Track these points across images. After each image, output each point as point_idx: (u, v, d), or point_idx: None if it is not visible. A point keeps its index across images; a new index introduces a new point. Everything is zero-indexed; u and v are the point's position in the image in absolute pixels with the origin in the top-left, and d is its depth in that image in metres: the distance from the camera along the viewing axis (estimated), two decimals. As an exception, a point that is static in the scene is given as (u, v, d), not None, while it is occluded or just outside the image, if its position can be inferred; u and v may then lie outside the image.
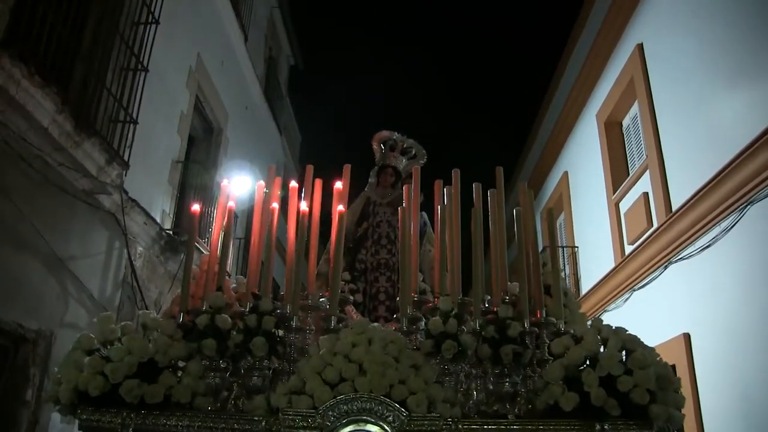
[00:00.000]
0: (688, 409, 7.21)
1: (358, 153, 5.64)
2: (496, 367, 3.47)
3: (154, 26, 8.44)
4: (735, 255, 6.87)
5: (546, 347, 3.62)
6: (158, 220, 8.85)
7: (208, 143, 11.92)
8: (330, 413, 3.12)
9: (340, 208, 3.82)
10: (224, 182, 3.97)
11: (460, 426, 3.18)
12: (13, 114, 5.95)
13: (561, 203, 13.83)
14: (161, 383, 3.27)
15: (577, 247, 12.63)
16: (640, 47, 9.67)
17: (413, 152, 5.40)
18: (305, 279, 3.92)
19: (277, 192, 3.94)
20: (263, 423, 3.20)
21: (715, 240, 7.30)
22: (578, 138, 12.75)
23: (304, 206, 3.80)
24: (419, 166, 5.03)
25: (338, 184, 3.94)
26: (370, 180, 5.43)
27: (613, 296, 10.38)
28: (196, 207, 3.85)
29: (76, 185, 7.12)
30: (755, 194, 6.46)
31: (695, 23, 8.08)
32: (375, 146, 5.43)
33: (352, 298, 4.28)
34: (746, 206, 6.65)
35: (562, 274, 12.47)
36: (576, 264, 12.36)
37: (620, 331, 3.40)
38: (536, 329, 3.61)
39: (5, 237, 6.14)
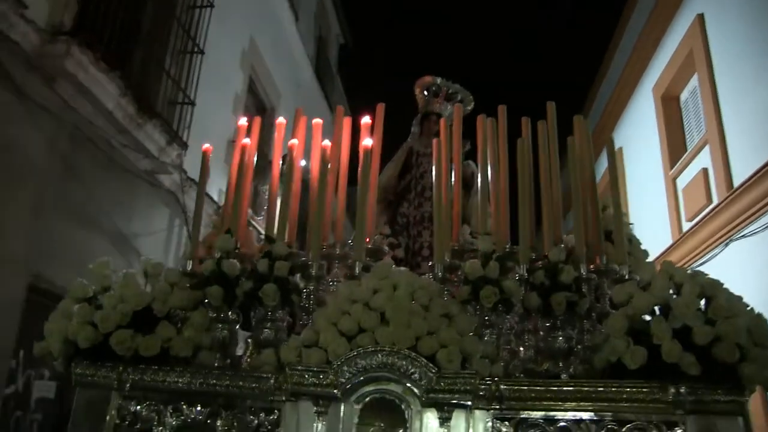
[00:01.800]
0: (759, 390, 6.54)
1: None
2: (546, 320, 2.72)
3: (209, 9, 8.20)
4: None
5: (607, 298, 2.83)
6: (215, 199, 8.50)
7: (261, 122, 11.44)
8: (345, 369, 2.46)
9: (367, 142, 3.11)
10: (241, 121, 3.27)
11: (501, 386, 2.44)
12: (81, 99, 5.93)
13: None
14: (158, 334, 2.65)
15: (632, 224, 11.59)
16: (701, 18, 8.74)
17: (459, 97, 4.58)
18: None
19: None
20: (271, 381, 2.57)
21: None
22: (633, 113, 11.70)
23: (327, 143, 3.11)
24: (466, 112, 4.32)
25: (365, 119, 3.23)
26: (412, 129, 4.67)
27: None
28: (207, 146, 3.21)
29: (138, 166, 7.03)
30: None
31: None
32: (417, 93, 4.67)
33: (388, 249, 3.53)
34: None
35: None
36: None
37: (699, 274, 2.54)
38: (594, 276, 2.82)
39: (75, 216, 6.11)
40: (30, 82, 5.45)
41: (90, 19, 6.00)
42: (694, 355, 2.27)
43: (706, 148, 8.51)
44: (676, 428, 2.31)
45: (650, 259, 9.18)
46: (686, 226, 8.94)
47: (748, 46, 7.40)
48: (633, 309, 2.44)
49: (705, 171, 8.49)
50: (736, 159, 7.69)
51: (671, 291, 2.47)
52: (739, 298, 2.45)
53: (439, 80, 4.59)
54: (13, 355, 5.44)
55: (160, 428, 2.61)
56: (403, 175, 4.43)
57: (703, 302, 2.43)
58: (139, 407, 2.64)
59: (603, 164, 13.23)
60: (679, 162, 9.51)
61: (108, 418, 2.61)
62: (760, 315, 2.42)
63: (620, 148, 12.43)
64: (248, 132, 3.23)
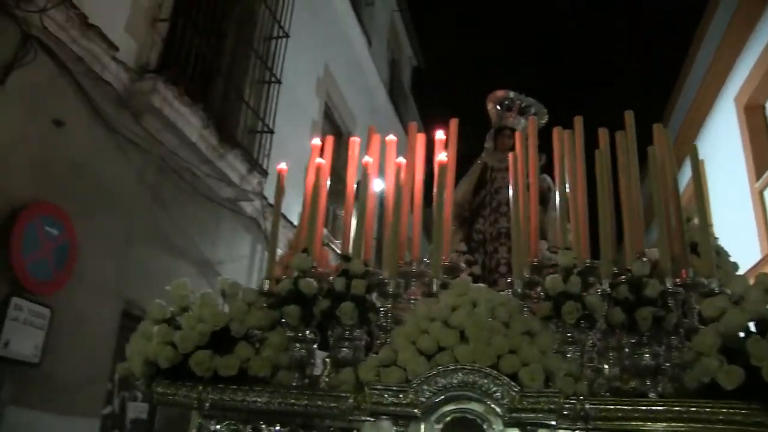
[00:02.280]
0: None
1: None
2: (631, 336, 2.54)
3: (284, 40, 8.38)
4: None
5: (695, 314, 2.67)
6: (295, 224, 8.45)
7: (338, 147, 11.46)
8: (425, 388, 2.34)
9: (442, 156, 3.03)
10: (314, 141, 3.25)
11: (586, 405, 2.29)
12: (167, 132, 6.18)
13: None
14: (236, 354, 2.60)
15: (717, 237, 11.09)
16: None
17: (533, 110, 4.44)
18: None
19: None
20: (350, 400, 2.48)
21: None
22: (715, 123, 11.19)
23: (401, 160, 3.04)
24: (540, 126, 4.14)
25: (439, 134, 3.14)
26: (486, 145, 4.54)
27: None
28: (282, 166, 3.16)
29: (221, 194, 7.26)
30: None
31: None
32: (490, 107, 4.55)
33: (464, 266, 3.43)
34: None
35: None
36: (716, 253, 10.86)
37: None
38: (681, 290, 2.64)
39: (163, 244, 6.32)
40: (120, 118, 5.69)
41: (174, 56, 6.21)
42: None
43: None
44: (779, 454, 2.12)
45: (740, 272, 8.75)
46: (778, 239, 8.53)
47: None
48: (725, 326, 2.25)
49: (796, 183, 8.11)
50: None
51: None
52: None
53: (512, 94, 4.47)
54: (109, 377, 5.58)
55: (241, 448, 2.56)
56: (478, 191, 4.32)
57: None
58: (219, 426, 2.60)
59: (683, 176, 12.78)
60: (766, 174, 9.09)
61: (189, 437, 2.59)
62: None
63: (701, 160, 11.98)
64: (321, 152, 3.20)
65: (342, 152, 10.77)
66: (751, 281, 2.53)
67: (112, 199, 5.68)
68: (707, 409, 2.19)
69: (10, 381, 4.58)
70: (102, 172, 5.55)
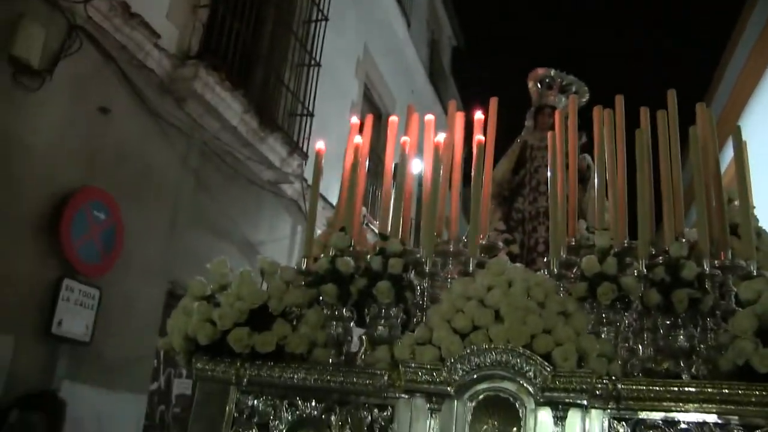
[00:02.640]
0: None
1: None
2: (667, 317, 2.50)
3: (323, 23, 8.26)
4: None
5: (732, 296, 2.60)
6: (334, 204, 8.48)
7: (377, 129, 11.33)
8: (459, 366, 2.35)
9: (480, 137, 3.00)
10: (353, 119, 3.26)
11: (619, 386, 2.27)
12: (209, 117, 6.24)
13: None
14: (274, 332, 2.62)
15: (758, 219, 10.83)
16: None
17: (573, 89, 4.38)
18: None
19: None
20: (385, 377, 2.48)
21: None
22: (759, 104, 10.77)
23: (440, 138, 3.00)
24: (581, 104, 4.11)
25: (478, 114, 3.10)
26: (526, 123, 4.49)
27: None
28: (320, 145, 3.17)
29: (262, 176, 7.28)
30: None
31: None
32: (531, 86, 4.48)
33: (502, 245, 3.41)
34: None
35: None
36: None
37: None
38: (719, 272, 2.58)
39: (206, 226, 6.41)
40: (163, 104, 5.77)
41: (215, 42, 6.26)
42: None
43: None
44: (812, 436, 2.09)
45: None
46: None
47: None
48: (762, 308, 2.21)
49: None
50: None
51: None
52: None
53: (552, 72, 4.42)
54: (155, 355, 5.69)
55: (276, 422, 2.57)
56: (518, 170, 4.29)
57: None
58: (256, 401, 2.61)
59: (725, 157, 12.46)
60: (809, 156, 8.85)
61: (227, 411, 2.60)
62: None
63: (744, 141, 11.68)
64: (361, 131, 3.19)
65: (381, 134, 10.69)
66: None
67: (157, 183, 5.78)
68: (740, 391, 2.16)
69: (63, 358, 4.74)
70: (146, 157, 5.64)
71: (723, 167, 9.94)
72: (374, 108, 11.17)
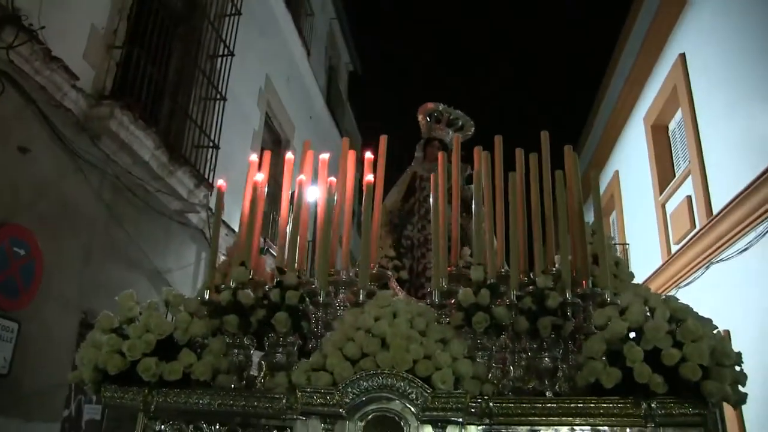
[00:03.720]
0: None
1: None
2: (534, 341, 2.69)
3: (229, 58, 8.25)
4: None
5: (592, 321, 2.77)
6: (236, 229, 8.49)
7: (276, 155, 11.27)
8: (349, 390, 2.45)
9: (369, 177, 3.12)
10: (252, 157, 3.31)
11: (490, 404, 2.42)
12: (122, 153, 6.22)
13: (613, 201, 12.85)
14: (180, 360, 2.66)
15: (629, 244, 11.54)
16: (683, 57, 8.90)
17: (460, 123, 4.43)
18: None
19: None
20: (284, 401, 2.55)
21: (750, 244, 6.79)
22: (628, 139, 11.70)
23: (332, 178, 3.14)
24: (467, 137, 4.27)
25: (368, 154, 3.25)
26: (416, 154, 4.50)
27: (662, 292, 9.26)
28: (221, 182, 3.27)
29: (170, 207, 7.29)
30: None
31: (735, 35, 7.37)
32: (420, 119, 4.50)
33: (390, 273, 3.55)
34: None
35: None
36: (627, 260, 11.19)
37: (671, 300, 2.52)
38: (579, 300, 2.78)
39: (118, 256, 6.39)
40: (79, 142, 5.72)
41: (128, 81, 6.23)
42: (663, 374, 2.26)
43: (690, 177, 8.51)
44: (648, 439, 2.32)
45: (645, 277, 9.15)
46: (675, 248, 8.90)
47: (725, 83, 7.51)
48: (609, 333, 2.42)
49: (689, 198, 8.52)
50: (714, 188, 7.79)
51: (647, 314, 2.45)
52: (709, 320, 2.44)
53: (441, 107, 4.43)
54: (69, 384, 5.52)
55: (183, 446, 2.61)
56: (407, 198, 4.27)
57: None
58: (163, 426, 2.63)
59: (603, 184, 13.10)
60: (668, 188, 9.53)
61: (135, 436, 2.63)
62: (723, 337, 2.42)
63: (616, 172, 12.35)
64: (260, 166, 3.26)
65: (281, 160, 10.69)
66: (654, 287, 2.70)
67: (73, 218, 5.73)
68: (592, 405, 2.35)
69: None
70: (63, 192, 5.60)
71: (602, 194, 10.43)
72: (275, 135, 11.15)
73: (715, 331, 2.40)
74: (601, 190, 13.44)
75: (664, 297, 2.53)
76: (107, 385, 2.67)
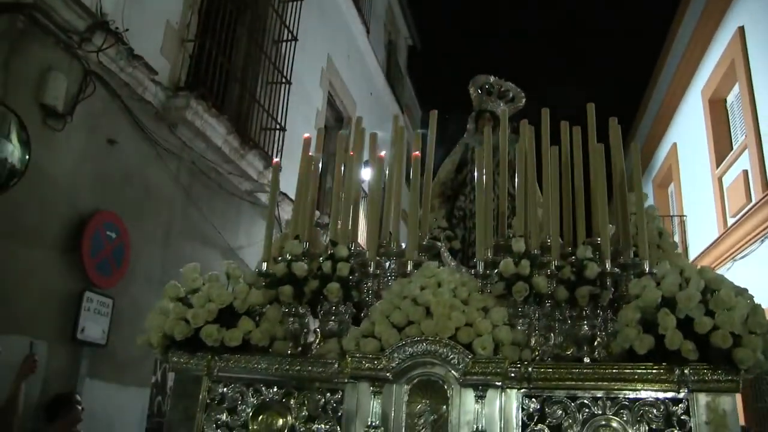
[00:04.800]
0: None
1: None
2: (573, 310, 2.64)
3: (293, 43, 8.27)
4: None
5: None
6: None
7: (339, 131, 11.08)
8: (395, 355, 2.49)
9: (416, 153, 3.10)
10: (306, 135, 3.33)
11: (529, 369, 2.41)
12: (197, 140, 6.42)
13: (670, 173, 12.33)
14: (240, 328, 2.72)
15: (686, 216, 11.09)
16: (741, 30, 8.45)
17: (511, 95, 4.27)
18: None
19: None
20: (335, 365, 2.61)
21: None
22: (685, 112, 11.20)
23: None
24: (518, 108, 4.15)
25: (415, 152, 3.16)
26: (468, 126, 4.35)
27: (717, 265, 9.09)
28: (276, 159, 3.34)
29: (241, 188, 7.44)
30: None
31: None
32: (472, 92, 4.33)
33: (440, 244, 3.49)
34: None
35: (676, 239, 10.96)
36: (684, 232, 10.82)
37: (705, 270, 2.43)
38: (618, 270, 2.71)
39: (195, 236, 6.62)
40: (158, 131, 5.92)
41: (201, 72, 6.40)
42: (696, 342, 2.21)
43: (746, 151, 8.14)
44: (680, 404, 2.26)
45: (702, 249, 8.91)
46: (731, 221, 8.57)
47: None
48: (643, 301, 2.37)
49: (745, 172, 8.15)
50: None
51: (680, 283, 2.37)
52: (744, 290, 2.35)
53: (491, 79, 4.28)
54: (155, 353, 5.82)
55: (243, 407, 2.67)
56: (460, 170, 4.16)
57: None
58: (225, 389, 2.71)
59: (658, 159, 12.65)
60: (724, 162, 9.13)
61: (200, 398, 2.70)
62: (757, 306, 2.31)
63: (674, 144, 11.89)
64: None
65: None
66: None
67: (155, 201, 5.97)
68: (627, 371, 2.32)
69: (85, 359, 5.01)
70: (146, 178, 5.83)
71: (657, 167, 10.23)
72: (337, 113, 11.01)
73: (749, 301, 2.30)
74: (659, 162, 13.07)
75: (699, 268, 2.46)
76: (174, 351, 2.76)
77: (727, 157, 9.03)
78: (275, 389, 2.67)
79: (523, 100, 4.27)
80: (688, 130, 10.93)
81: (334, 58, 10.44)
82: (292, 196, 7.99)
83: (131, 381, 5.57)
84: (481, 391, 2.39)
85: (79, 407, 4.28)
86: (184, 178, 6.36)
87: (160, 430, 5.86)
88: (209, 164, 6.65)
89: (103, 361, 5.18)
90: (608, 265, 2.64)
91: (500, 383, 2.38)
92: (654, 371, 2.29)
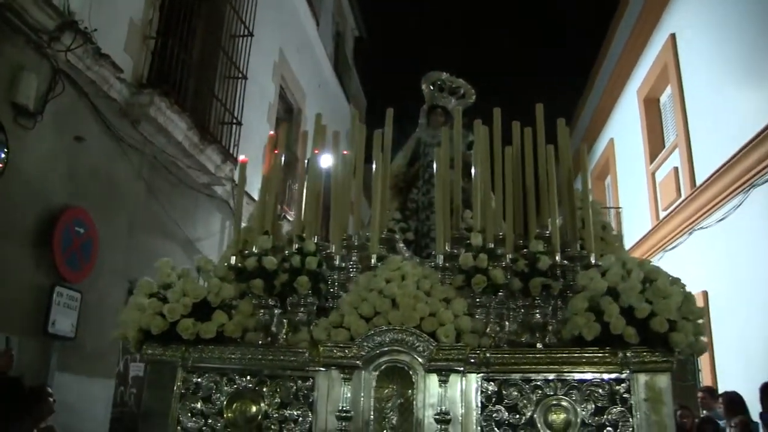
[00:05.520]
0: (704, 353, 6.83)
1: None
2: (526, 300, 2.78)
3: (249, 38, 8.21)
4: (745, 228, 6.66)
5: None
6: (256, 197, 8.57)
7: (289, 123, 10.87)
8: (365, 344, 2.59)
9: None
10: (271, 132, 3.35)
11: (488, 355, 2.55)
12: (159, 135, 6.38)
13: (608, 167, 12.60)
14: (214, 321, 2.76)
15: (622, 207, 11.46)
16: (673, 37, 8.75)
17: (462, 92, 4.30)
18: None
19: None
20: (306, 354, 2.69)
21: (727, 214, 6.98)
22: (622, 109, 11.47)
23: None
24: (468, 105, 4.19)
25: (381, 131, 3.26)
26: (420, 121, 4.38)
27: (650, 255, 9.47)
28: (243, 157, 3.31)
29: (199, 181, 7.41)
30: (758, 179, 6.29)
31: (721, 18, 7.29)
32: (424, 88, 4.36)
33: (396, 236, 3.55)
34: (749, 189, 6.49)
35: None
36: (620, 223, 11.19)
37: (645, 263, 2.63)
38: (567, 262, 2.85)
39: (157, 229, 6.59)
40: (122, 127, 5.88)
41: (165, 67, 6.38)
42: (637, 327, 2.38)
43: (677, 149, 8.47)
44: (623, 383, 2.44)
45: (636, 239, 9.26)
46: (662, 214, 8.93)
47: (712, 63, 7.46)
48: (591, 291, 2.53)
49: (676, 169, 8.49)
50: (699, 160, 7.81)
51: (622, 275, 2.53)
52: (677, 280, 2.55)
53: (444, 76, 4.30)
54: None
55: (218, 395, 2.72)
56: (412, 163, 4.18)
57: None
58: (200, 379, 2.74)
59: (598, 150, 13.00)
60: (657, 158, 9.45)
61: (175, 388, 2.72)
62: (689, 294, 2.51)
63: (612, 139, 12.17)
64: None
65: (294, 127, 10.60)
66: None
67: (119, 196, 5.94)
68: (575, 355, 2.48)
69: (55, 352, 4.99)
70: (111, 174, 5.79)
71: (594, 161, 10.50)
72: (287, 104, 10.87)
73: (682, 290, 2.48)
74: (597, 156, 13.39)
75: (639, 260, 2.63)
76: (150, 343, 2.77)
77: (660, 154, 9.32)
78: (248, 378, 2.72)
79: (474, 97, 4.31)
80: (624, 127, 11.20)
81: (285, 52, 10.28)
82: (248, 190, 7.98)
83: (98, 372, 5.56)
84: (444, 376, 2.51)
85: (51, 399, 4.24)
86: (146, 172, 6.32)
87: (123, 419, 5.85)
88: (170, 159, 6.61)
89: (71, 354, 5.15)
90: (558, 258, 2.78)
91: (462, 368, 2.51)
92: (600, 355, 2.45)
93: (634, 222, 10.42)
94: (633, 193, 10.62)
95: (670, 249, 8.69)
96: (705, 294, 7.32)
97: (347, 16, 15.95)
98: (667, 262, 8.74)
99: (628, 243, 10.56)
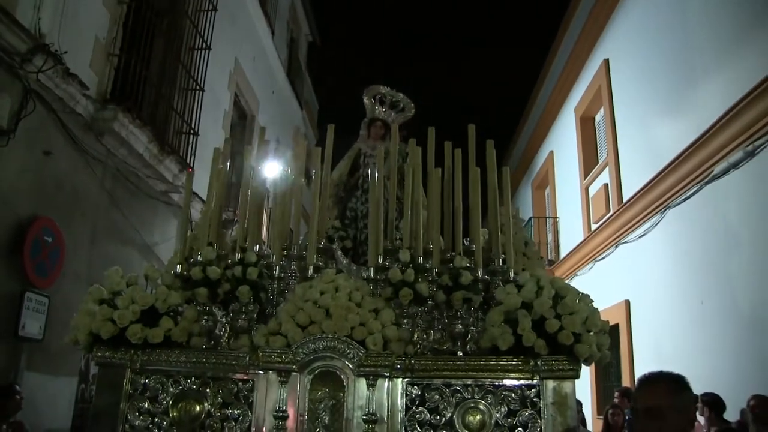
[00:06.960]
0: (624, 357, 7.65)
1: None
2: (449, 311, 2.84)
3: (207, 51, 8.05)
4: (660, 244, 6.99)
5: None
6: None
7: (242, 129, 10.72)
8: (300, 351, 2.63)
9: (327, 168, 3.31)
10: (216, 146, 3.38)
11: (412, 361, 2.63)
12: (121, 147, 6.34)
13: (547, 178, 12.67)
14: (161, 326, 2.77)
15: (559, 218, 11.71)
16: (606, 62, 8.97)
17: (401, 105, 4.27)
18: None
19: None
20: (247, 358, 2.73)
21: (647, 231, 7.29)
22: (561, 125, 11.62)
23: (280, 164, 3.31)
24: (408, 118, 4.23)
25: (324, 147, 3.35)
26: (361, 132, 4.32)
27: (582, 264, 9.70)
28: (191, 169, 3.32)
29: (156, 189, 7.30)
30: (672, 200, 6.63)
31: (650, 51, 7.50)
32: (366, 100, 4.30)
33: (334, 246, 3.56)
34: (665, 210, 6.80)
35: (549, 238, 11.59)
36: (557, 232, 11.46)
37: (556, 280, 2.72)
38: (488, 277, 2.93)
39: (117, 236, 6.55)
40: (87, 140, 5.82)
41: (127, 84, 6.31)
42: (547, 339, 2.49)
43: (607, 167, 8.71)
44: (533, 389, 2.55)
45: (571, 248, 9.57)
46: (594, 227, 9.14)
47: (640, 90, 7.66)
48: (506, 306, 2.61)
49: (606, 185, 8.70)
50: (626, 179, 8.06)
51: (536, 291, 2.63)
52: (586, 296, 2.65)
53: (384, 89, 4.26)
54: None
55: (164, 395, 2.73)
56: (352, 173, 4.13)
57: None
58: (147, 380, 2.76)
59: (539, 161, 13.23)
60: (591, 174, 9.65)
61: (123, 389, 2.74)
62: (595, 309, 2.62)
63: (551, 152, 12.31)
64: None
65: (247, 132, 10.57)
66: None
67: (83, 205, 5.87)
68: (491, 363, 2.57)
69: (25, 354, 5.01)
70: (75, 184, 5.72)
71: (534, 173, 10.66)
72: (241, 111, 10.61)
73: (589, 306, 2.59)
74: (538, 166, 13.60)
75: (551, 278, 2.72)
76: (100, 347, 2.77)
77: (593, 170, 9.49)
78: (193, 379, 2.75)
79: (413, 111, 4.28)
80: (563, 141, 11.30)
81: (241, 61, 9.99)
82: (203, 195, 7.90)
83: (62, 372, 5.54)
84: (372, 380, 2.57)
85: (18, 397, 4.23)
86: (108, 182, 6.24)
87: (84, 416, 5.80)
88: (130, 169, 6.55)
89: (38, 355, 5.15)
90: (480, 273, 2.85)
91: (388, 374, 2.57)
92: (513, 363, 2.55)
93: (570, 232, 10.61)
94: (569, 204, 10.81)
95: (600, 259, 8.90)
96: (627, 303, 7.58)
97: (301, 23, 15.45)
98: (596, 272, 9.00)
99: (564, 251, 10.82)
